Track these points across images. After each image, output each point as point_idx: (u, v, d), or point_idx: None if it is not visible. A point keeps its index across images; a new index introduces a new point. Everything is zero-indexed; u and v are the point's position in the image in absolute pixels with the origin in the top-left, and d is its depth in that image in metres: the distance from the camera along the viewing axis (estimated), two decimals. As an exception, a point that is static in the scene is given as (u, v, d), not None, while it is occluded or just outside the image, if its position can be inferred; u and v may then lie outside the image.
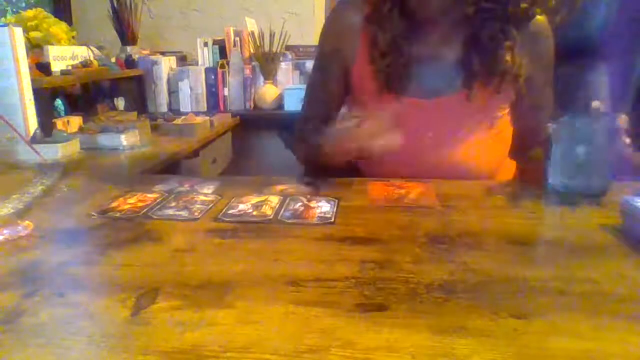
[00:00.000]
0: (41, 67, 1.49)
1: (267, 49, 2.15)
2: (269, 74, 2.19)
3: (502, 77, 0.86)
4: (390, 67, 0.88)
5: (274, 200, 0.71)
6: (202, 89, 2.21)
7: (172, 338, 0.38)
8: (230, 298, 0.44)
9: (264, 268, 0.50)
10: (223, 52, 2.24)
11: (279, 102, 2.18)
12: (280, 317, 0.41)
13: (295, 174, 0.96)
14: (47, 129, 1.24)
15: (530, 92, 0.90)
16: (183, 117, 1.80)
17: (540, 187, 0.75)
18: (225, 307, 0.43)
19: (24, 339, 0.38)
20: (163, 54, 2.34)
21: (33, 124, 1.18)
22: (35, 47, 1.64)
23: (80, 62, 1.72)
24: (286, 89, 2.17)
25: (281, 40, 2.16)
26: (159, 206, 0.70)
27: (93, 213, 0.68)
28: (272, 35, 2.15)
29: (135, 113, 1.85)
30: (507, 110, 0.93)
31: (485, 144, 0.92)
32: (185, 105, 2.21)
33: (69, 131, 1.36)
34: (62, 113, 1.58)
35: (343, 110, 1.03)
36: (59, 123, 1.37)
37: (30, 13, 1.71)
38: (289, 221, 0.64)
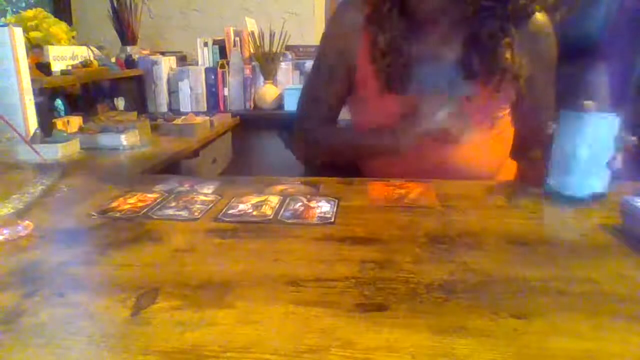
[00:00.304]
0: (41, 67, 1.49)
1: (267, 49, 2.15)
2: (269, 74, 2.19)
3: (502, 75, 0.86)
4: (391, 66, 0.88)
5: (274, 200, 0.71)
6: (202, 89, 2.21)
7: (172, 338, 0.38)
8: (230, 298, 0.44)
9: (264, 268, 0.50)
10: (223, 52, 2.24)
11: (279, 102, 2.18)
12: (280, 317, 0.41)
13: (295, 174, 0.96)
14: (47, 129, 1.24)
15: (531, 92, 0.90)
16: (183, 117, 1.80)
17: (541, 187, 0.75)
18: (225, 307, 0.43)
19: (24, 339, 0.38)
20: (163, 54, 2.34)
21: (33, 124, 1.18)
22: (35, 47, 1.64)
23: (80, 62, 1.72)
24: (286, 89, 2.17)
25: (281, 40, 2.16)
26: (159, 206, 0.70)
27: (93, 213, 0.68)
28: (272, 35, 2.15)
29: (135, 113, 1.85)
30: (507, 111, 0.93)
31: (486, 144, 0.92)
32: (185, 105, 2.21)
33: (69, 131, 1.36)
34: (62, 113, 1.58)
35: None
36: (59, 123, 1.37)
37: (30, 13, 1.71)
38: (289, 221, 0.64)
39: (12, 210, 0.67)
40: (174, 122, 1.72)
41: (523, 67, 0.87)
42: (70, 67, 1.66)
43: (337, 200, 0.71)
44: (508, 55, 0.85)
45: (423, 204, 0.71)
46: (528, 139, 0.93)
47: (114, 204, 0.71)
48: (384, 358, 0.36)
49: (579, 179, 0.70)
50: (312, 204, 0.70)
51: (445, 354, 0.36)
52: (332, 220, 0.64)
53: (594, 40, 1.06)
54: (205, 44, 2.26)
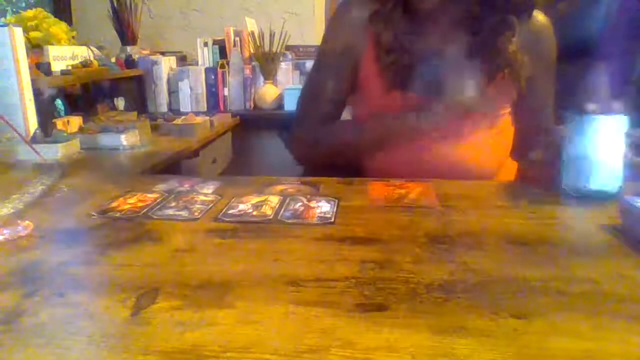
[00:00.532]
0: (41, 67, 1.49)
1: (267, 49, 2.15)
2: (269, 74, 2.19)
3: (504, 71, 0.86)
4: (395, 64, 0.88)
5: (274, 200, 0.71)
6: (202, 89, 2.21)
7: (172, 338, 0.38)
8: (230, 298, 0.44)
9: (264, 268, 0.50)
10: (223, 52, 2.24)
11: (279, 102, 2.18)
12: (280, 317, 0.41)
13: (295, 174, 0.96)
14: (47, 129, 1.24)
15: (532, 92, 0.90)
16: (183, 117, 1.80)
17: (541, 187, 0.75)
18: (225, 307, 0.43)
19: (24, 339, 0.38)
20: (163, 54, 2.34)
21: (33, 124, 1.18)
22: (35, 47, 1.64)
23: (80, 62, 1.72)
24: (286, 89, 2.17)
25: (281, 40, 2.16)
26: (159, 206, 0.70)
27: (93, 213, 0.67)
28: (272, 35, 2.15)
29: (135, 113, 1.85)
30: (508, 110, 0.93)
31: (487, 143, 0.92)
32: (185, 105, 2.21)
33: (69, 131, 1.35)
34: (62, 113, 1.58)
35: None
36: (59, 123, 1.37)
37: (30, 13, 1.71)
38: (289, 221, 0.64)
39: (12, 210, 0.67)
40: (174, 122, 1.72)
41: (525, 66, 0.87)
42: (70, 67, 1.66)
43: (337, 200, 0.71)
44: (510, 50, 0.85)
45: (423, 204, 0.71)
46: (528, 139, 0.93)
47: (114, 204, 0.71)
48: (384, 358, 0.36)
49: (594, 180, 0.69)
50: (312, 204, 0.70)
51: (445, 354, 0.36)
52: (332, 220, 0.64)
53: (594, 40, 1.06)
54: (205, 44, 2.26)
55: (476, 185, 0.81)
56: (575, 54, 1.02)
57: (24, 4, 2.41)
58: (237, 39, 2.22)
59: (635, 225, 0.57)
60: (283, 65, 2.24)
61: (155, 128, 1.58)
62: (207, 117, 1.82)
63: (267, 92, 2.17)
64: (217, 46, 2.26)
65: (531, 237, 0.58)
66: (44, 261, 0.53)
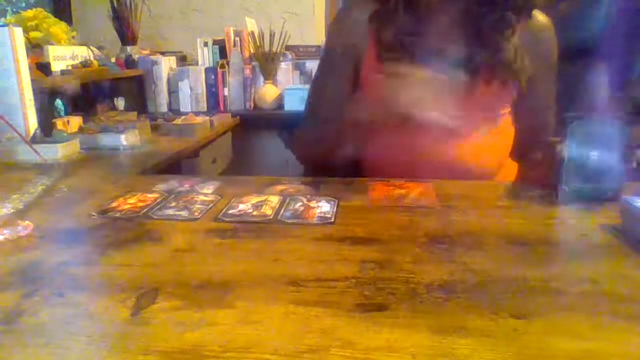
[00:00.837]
0: (41, 67, 1.49)
1: (267, 49, 2.15)
2: (269, 74, 2.19)
3: (505, 69, 0.86)
4: (397, 62, 0.88)
5: (274, 200, 0.71)
6: (202, 89, 2.21)
7: (172, 338, 0.38)
8: (230, 298, 0.44)
9: (264, 268, 0.50)
10: (223, 52, 2.24)
11: (279, 102, 2.18)
12: (280, 317, 0.41)
13: (295, 174, 0.96)
14: (47, 129, 1.24)
15: (533, 92, 0.90)
16: (183, 117, 1.80)
17: (541, 187, 0.75)
18: (225, 307, 0.43)
19: (24, 339, 0.38)
20: (163, 54, 2.34)
21: (33, 124, 1.18)
22: (35, 47, 1.64)
23: (80, 62, 1.72)
24: (286, 89, 2.17)
25: (281, 40, 2.16)
26: (159, 206, 0.70)
27: (93, 213, 0.68)
28: (272, 35, 2.15)
29: (135, 113, 1.85)
30: (508, 110, 0.93)
31: (487, 143, 0.92)
32: (185, 105, 2.21)
33: (69, 131, 1.35)
34: (62, 113, 1.58)
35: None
36: (59, 123, 1.37)
37: (30, 13, 1.71)
38: (289, 221, 0.64)
39: (12, 210, 0.67)
40: (174, 122, 1.72)
41: (525, 65, 0.87)
42: (70, 67, 1.66)
43: (337, 200, 0.71)
44: (510, 48, 0.86)
45: (423, 204, 0.71)
46: (529, 139, 0.93)
47: (114, 204, 0.71)
48: (384, 358, 0.36)
49: (593, 182, 0.69)
50: (312, 204, 0.70)
51: (445, 354, 0.36)
52: (332, 220, 0.64)
53: (594, 40, 1.06)
54: (205, 44, 2.26)
55: (476, 185, 0.81)
56: (575, 54, 1.02)
57: (24, 4, 2.41)
58: (237, 39, 2.22)
59: (635, 225, 0.57)
60: (283, 65, 2.24)
61: (155, 128, 1.58)
62: (207, 117, 1.81)
63: (267, 92, 2.17)
64: (217, 46, 2.26)
65: (531, 237, 0.58)
66: (44, 261, 0.53)
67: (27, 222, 0.63)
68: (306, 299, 0.44)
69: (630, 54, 1.05)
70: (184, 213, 0.67)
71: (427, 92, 0.84)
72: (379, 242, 0.57)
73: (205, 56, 2.27)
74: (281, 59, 2.22)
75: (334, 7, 2.62)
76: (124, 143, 1.25)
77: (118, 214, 0.67)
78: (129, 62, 2.08)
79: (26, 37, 1.50)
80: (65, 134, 1.26)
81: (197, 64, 2.29)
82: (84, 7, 2.58)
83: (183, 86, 2.21)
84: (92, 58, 1.79)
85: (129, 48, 2.25)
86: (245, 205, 0.69)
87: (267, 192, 0.75)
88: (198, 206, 0.69)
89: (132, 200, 0.72)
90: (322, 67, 1.02)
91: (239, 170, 2.05)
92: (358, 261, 0.51)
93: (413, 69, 0.85)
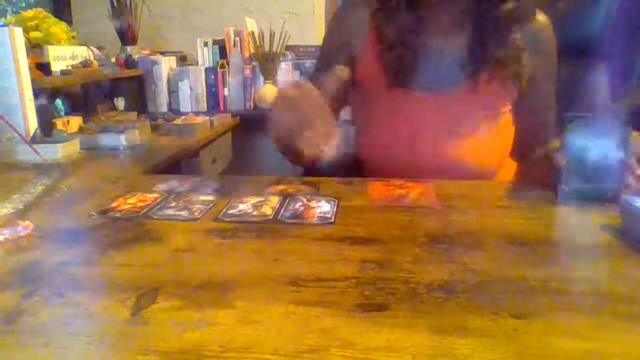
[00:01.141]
0: (41, 67, 1.49)
1: (267, 49, 2.15)
2: (269, 74, 2.19)
3: (505, 67, 0.87)
4: (397, 61, 0.88)
5: (274, 200, 0.71)
6: (202, 89, 2.21)
7: (172, 338, 0.38)
8: (230, 298, 0.44)
9: (264, 268, 0.50)
10: (223, 52, 2.24)
11: (279, 102, 2.18)
12: (280, 317, 0.41)
13: (295, 174, 0.95)
14: (47, 129, 1.24)
15: (533, 92, 0.90)
16: (183, 117, 1.80)
17: (541, 187, 0.75)
18: (225, 307, 0.43)
19: (24, 339, 0.38)
20: (163, 54, 2.34)
21: (33, 124, 1.18)
22: (35, 47, 1.64)
23: (80, 62, 1.72)
24: (286, 89, 2.17)
25: (281, 40, 2.16)
26: (159, 206, 0.70)
27: (93, 213, 0.67)
28: (272, 35, 2.15)
29: (135, 113, 1.85)
30: (509, 108, 0.93)
31: (487, 142, 0.92)
32: (185, 105, 2.21)
33: (69, 131, 1.35)
34: (62, 113, 1.58)
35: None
36: (59, 123, 1.37)
37: (30, 13, 1.71)
38: (289, 221, 0.64)
39: (12, 210, 0.67)
40: (174, 122, 1.72)
41: (525, 64, 0.87)
42: (70, 67, 1.66)
43: (337, 200, 0.71)
44: (511, 47, 0.86)
45: (423, 204, 0.71)
46: (529, 139, 0.93)
47: (114, 204, 0.71)
48: (384, 358, 0.36)
49: (594, 181, 0.69)
50: (312, 204, 0.70)
51: (445, 354, 0.36)
52: (332, 220, 0.64)
53: (594, 40, 1.06)
54: (205, 44, 2.26)
55: (476, 185, 0.81)
56: (575, 53, 1.02)
57: (24, 4, 2.41)
58: (237, 39, 2.22)
59: (635, 225, 0.57)
60: (283, 65, 2.23)
61: (155, 128, 1.58)
62: (207, 117, 1.82)
63: (267, 92, 2.17)
64: (217, 46, 2.26)
65: (531, 237, 0.58)
66: (44, 261, 0.53)
67: (27, 222, 0.63)
68: (306, 299, 0.44)
69: (630, 54, 1.05)
70: (184, 213, 0.67)
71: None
72: (379, 242, 0.57)
73: (205, 56, 2.27)
74: (281, 59, 2.22)
75: (334, 7, 2.62)
76: (124, 143, 1.25)
77: (118, 214, 0.67)
78: (129, 62, 2.08)
79: (26, 37, 1.49)
80: (65, 134, 1.26)
81: (197, 64, 2.29)
82: (84, 7, 2.58)
83: (183, 86, 2.21)
84: (92, 58, 1.79)
85: (129, 48, 2.25)
86: (245, 205, 0.69)
87: (267, 192, 0.75)
88: (198, 206, 0.69)
89: (132, 200, 0.72)
90: (316, 64, 1.02)
91: (239, 170, 2.05)
92: (358, 261, 0.51)
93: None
